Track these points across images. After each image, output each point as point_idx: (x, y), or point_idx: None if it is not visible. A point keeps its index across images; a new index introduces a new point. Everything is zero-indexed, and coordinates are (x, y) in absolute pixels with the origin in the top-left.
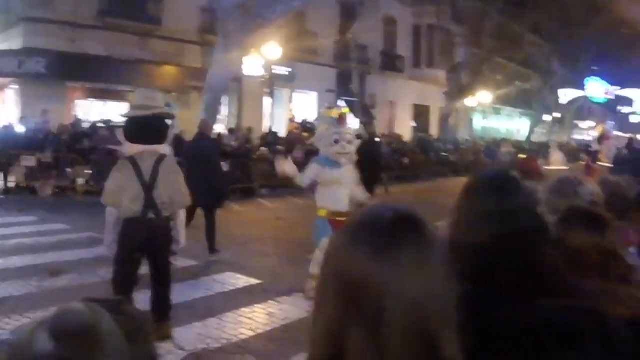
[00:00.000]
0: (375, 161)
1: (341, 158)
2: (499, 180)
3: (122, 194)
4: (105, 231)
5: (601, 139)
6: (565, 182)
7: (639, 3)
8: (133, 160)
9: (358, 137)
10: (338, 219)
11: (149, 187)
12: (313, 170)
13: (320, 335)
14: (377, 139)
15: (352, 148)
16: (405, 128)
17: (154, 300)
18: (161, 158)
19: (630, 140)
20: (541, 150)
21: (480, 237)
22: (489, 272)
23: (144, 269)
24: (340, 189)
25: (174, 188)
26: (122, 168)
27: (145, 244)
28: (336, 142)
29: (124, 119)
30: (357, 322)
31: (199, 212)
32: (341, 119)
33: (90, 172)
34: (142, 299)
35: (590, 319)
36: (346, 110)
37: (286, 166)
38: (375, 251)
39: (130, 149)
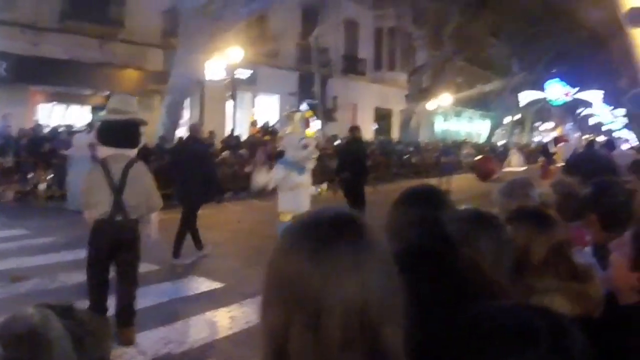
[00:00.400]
0: (362, 162)
1: (308, 163)
2: (424, 193)
3: (92, 196)
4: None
5: (557, 140)
6: (515, 184)
7: (597, 6)
8: (104, 163)
9: (334, 137)
10: None
11: (117, 190)
12: (280, 173)
13: (266, 336)
14: (361, 140)
15: (316, 152)
16: (367, 131)
17: (118, 305)
18: (131, 162)
19: (591, 142)
20: (501, 151)
21: (405, 242)
22: (415, 276)
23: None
24: (305, 193)
25: (144, 192)
26: (93, 171)
27: (112, 246)
28: (305, 147)
29: (99, 122)
30: (298, 321)
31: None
32: (307, 122)
33: (52, 176)
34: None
35: (542, 317)
36: (309, 113)
37: (261, 178)
38: (313, 252)
39: (102, 151)
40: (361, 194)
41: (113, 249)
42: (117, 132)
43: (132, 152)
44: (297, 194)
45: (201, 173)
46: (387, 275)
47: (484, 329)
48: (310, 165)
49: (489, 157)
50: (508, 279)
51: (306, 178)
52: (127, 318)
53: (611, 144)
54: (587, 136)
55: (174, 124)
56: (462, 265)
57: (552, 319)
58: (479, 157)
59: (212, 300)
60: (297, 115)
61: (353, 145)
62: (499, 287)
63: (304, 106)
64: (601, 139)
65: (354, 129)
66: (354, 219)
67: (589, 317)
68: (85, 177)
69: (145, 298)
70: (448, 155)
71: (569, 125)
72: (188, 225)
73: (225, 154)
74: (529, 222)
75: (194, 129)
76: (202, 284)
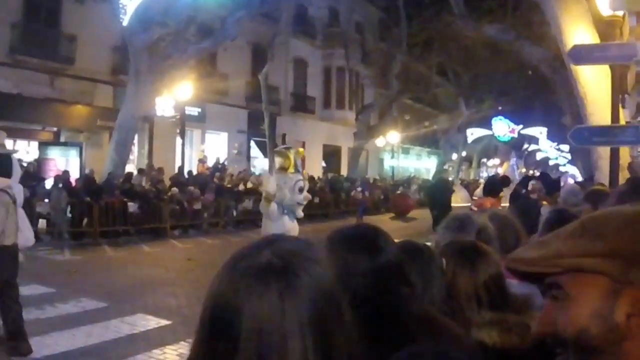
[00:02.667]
0: (449, 200)
1: (299, 209)
2: (360, 238)
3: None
4: None
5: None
6: (454, 218)
7: (540, 45)
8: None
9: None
10: None
11: None
12: (276, 213)
13: None
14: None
15: (308, 197)
16: (316, 168)
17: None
18: None
19: (525, 177)
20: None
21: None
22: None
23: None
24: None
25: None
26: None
27: None
28: (301, 190)
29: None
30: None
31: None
32: (303, 161)
33: None
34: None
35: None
36: (302, 151)
37: (270, 185)
38: (240, 290)
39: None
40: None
41: None
42: None
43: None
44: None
45: None
46: (312, 321)
47: None
48: (300, 212)
49: (406, 194)
50: (439, 309)
51: (296, 225)
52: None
53: (547, 177)
54: (532, 172)
55: (122, 160)
56: (405, 310)
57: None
58: (397, 192)
59: (159, 338)
60: (292, 153)
61: (441, 184)
62: (438, 324)
63: (251, 143)
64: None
65: (443, 171)
66: (286, 264)
67: (526, 348)
68: None
69: (92, 336)
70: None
71: (512, 161)
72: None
73: (174, 190)
74: (454, 257)
75: None
76: (150, 322)
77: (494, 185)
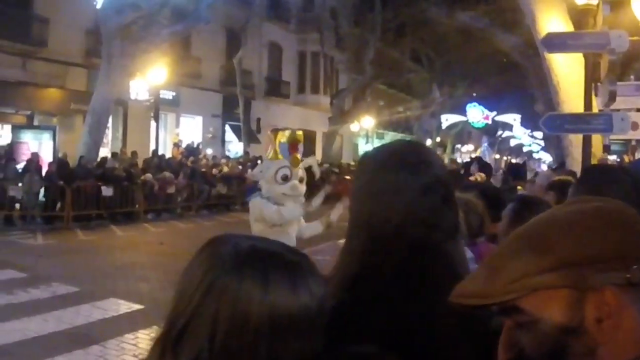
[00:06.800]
0: None
1: (288, 201)
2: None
3: None
4: None
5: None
6: None
7: (513, 33)
8: None
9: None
10: None
11: None
12: (258, 210)
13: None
14: None
15: (304, 188)
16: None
17: None
18: None
19: (474, 159)
20: None
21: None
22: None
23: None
24: (285, 235)
25: None
26: None
27: None
28: (284, 179)
29: None
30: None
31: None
32: (293, 145)
33: None
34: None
35: None
36: (300, 134)
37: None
38: (218, 275)
39: None
40: None
41: None
42: None
43: None
44: (275, 236)
45: None
46: (287, 312)
47: None
48: (291, 204)
49: (344, 179)
50: None
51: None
52: None
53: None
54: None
55: (96, 144)
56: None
57: None
58: (339, 177)
59: (131, 323)
60: (280, 136)
61: None
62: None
63: (226, 127)
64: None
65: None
66: (254, 255)
67: None
68: None
69: (63, 321)
70: None
71: (484, 147)
72: None
73: (147, 175)
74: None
75: None
76: (121, 306)
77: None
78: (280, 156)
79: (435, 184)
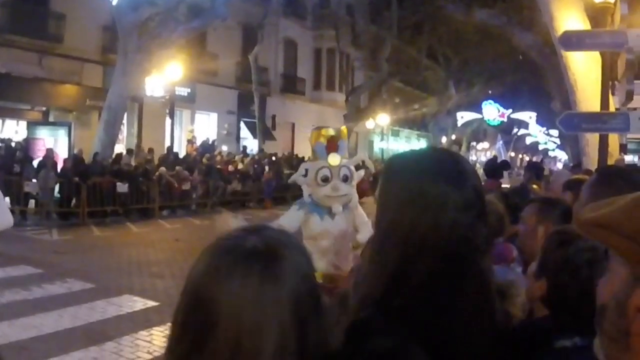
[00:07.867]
0: None
1: (334, 202)
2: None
3: None
4: None
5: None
6: None
7: (530, 31)
8: None
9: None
10: (327, 284)
11: None
12: (293, 218)
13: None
14: None
15: (348, 188)
16: (305, 150)
17: None
18: None
19: (530, 164)
20: None
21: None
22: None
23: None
24: (334, 243)
25: None
26: None
27: None
28: (325, 180)
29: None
30: (189, 340)
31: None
32: (331, 144)
33: None
34: None
35: None
36: (344, 130)
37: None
38: (221, 276)
39: None
40: None
41: None
42: None
43: None
44: (320, 246)
45: None
46: (293, 309)
47: None
48: (340, 206)
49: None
50: None
51: (336, 223)
52: None
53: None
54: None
55: (111, 140)
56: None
57: None
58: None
59: (146, 320)
60: (316, 135)
61: None
62: None
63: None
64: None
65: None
66: (270, 250)
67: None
68: None
69: (78, 317)
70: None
71: (499, 144)
72: None
73: (163, 170)
74: None
75: None
76: (136, 303)
77: (494, 169)
78: (317, 157)
79: (475, 199)
